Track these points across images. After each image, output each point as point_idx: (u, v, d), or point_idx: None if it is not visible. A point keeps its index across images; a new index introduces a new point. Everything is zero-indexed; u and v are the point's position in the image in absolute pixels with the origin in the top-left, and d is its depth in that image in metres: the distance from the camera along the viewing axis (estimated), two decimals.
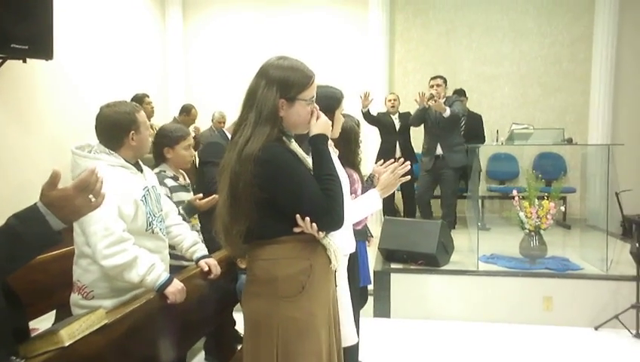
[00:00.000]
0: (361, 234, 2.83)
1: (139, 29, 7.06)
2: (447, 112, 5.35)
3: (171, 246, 2.49)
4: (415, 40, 7.59)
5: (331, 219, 1.60)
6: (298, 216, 1.58)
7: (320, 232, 1.61)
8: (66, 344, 1.51)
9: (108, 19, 6.26)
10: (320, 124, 1.67)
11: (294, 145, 1.71)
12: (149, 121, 3.21)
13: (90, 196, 1.29)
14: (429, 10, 7.52)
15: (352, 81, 6.46)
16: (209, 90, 7.68)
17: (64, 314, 2.32)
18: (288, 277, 1.61)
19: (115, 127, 2.20)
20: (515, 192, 4.49)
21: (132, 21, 6.88)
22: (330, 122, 1.72)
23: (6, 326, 1.43)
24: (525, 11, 7.31)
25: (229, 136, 4.28)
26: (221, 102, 6.73)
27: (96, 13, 6.01)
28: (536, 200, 4.34)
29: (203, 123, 6.71)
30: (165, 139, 2.87)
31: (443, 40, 7.50)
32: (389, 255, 4.62)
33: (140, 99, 5.19)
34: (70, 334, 1.53)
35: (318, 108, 1.71)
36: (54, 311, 2.83)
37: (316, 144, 1.66)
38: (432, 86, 5.55)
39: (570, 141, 5.07)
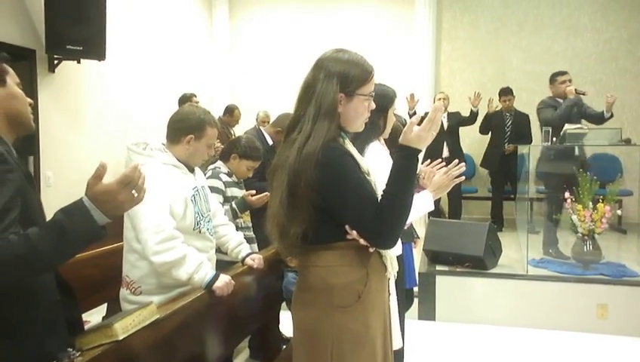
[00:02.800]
0: (407, 236, 2.77)
1: (186, 30, 7.21)
2: None
3: (217, 246, 2.51)
4: (462, 38, 7.43)
5: (378, 239, 1.50)
6: (347, 226, 1.50)
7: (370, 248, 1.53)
8: (120, 338, 1.53)
9: (157, 22, 6.42)
10: (413, 136, 1.46)
11: (349, 145, 1.62)
12: None
13: (133, 191, 1.31)
14: (477, 8, 7.35)
15: (397, 80, 6.26)
16: (254, 89, 7.74)
17: (115, 307, 2.37)
18: (344, 285, 1.53)
19: (180, 122, 2.24)
20: (567, 194, 4.32)
21: (180, 23, 7.03)
22: (429, 137, 1.48)
23: (61, 318, 1.47)
24: (579, 7, 7.04)
25: (266, 136, 4.32)
26: (265, 101, 6.76)
27: (146, 16, 6.18)
28: (591, 203, 4.16)
29: (247, 122, 6.76)
30: (240, 149, 3.00)
31: (491, 38, 7.31)
32: (434, 256, 4.53)
33: (187, 99, 5.26)
34: (124, 328, 1.56)
35: (374, 105, 1.63)
36: (105, 304, 2.92)
37: (399, 155, 1.48)
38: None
39: (628, 142, 4.82)
